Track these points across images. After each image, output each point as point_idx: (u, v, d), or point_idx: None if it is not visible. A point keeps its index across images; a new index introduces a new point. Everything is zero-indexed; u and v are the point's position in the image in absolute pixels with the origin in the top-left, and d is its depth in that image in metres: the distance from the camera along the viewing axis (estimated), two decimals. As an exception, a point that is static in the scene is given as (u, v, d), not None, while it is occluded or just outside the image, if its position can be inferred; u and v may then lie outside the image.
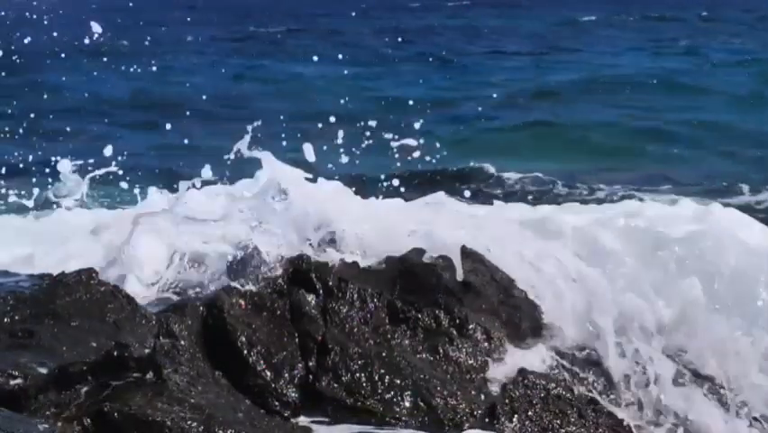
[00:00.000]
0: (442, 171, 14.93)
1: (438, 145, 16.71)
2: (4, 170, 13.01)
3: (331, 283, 5.29)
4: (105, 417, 4.35)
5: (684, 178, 14.95)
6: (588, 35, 32.52)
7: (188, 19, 42.79)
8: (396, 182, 13.71)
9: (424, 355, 5.28)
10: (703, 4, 41.29)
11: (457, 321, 5.43)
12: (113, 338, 4.61)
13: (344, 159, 15.29)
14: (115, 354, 4.53)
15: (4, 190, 11.13)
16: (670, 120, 18.99)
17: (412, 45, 32.10)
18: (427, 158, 15.87)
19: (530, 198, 13.68)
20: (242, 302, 5.16)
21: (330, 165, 15.28)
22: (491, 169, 15.14)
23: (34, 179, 10.78)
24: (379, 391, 5.04)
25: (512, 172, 15.01)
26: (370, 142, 16.70)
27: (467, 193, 13.41)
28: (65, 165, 8.54)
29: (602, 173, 15.02)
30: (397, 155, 15.31)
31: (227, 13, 44.95)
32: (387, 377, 5.10)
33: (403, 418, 5.03)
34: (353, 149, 16.17)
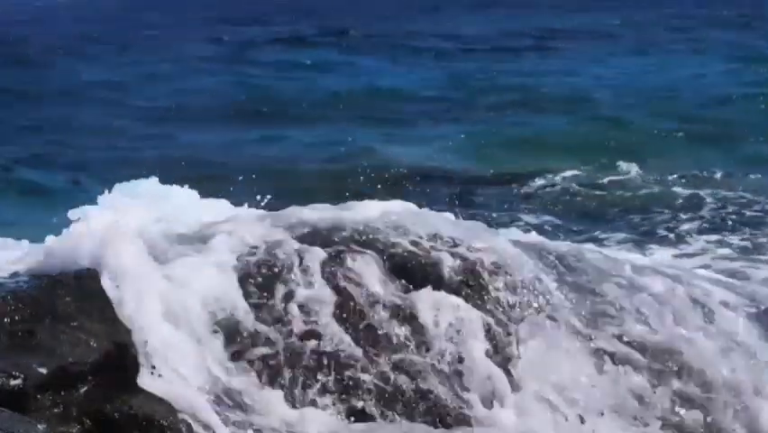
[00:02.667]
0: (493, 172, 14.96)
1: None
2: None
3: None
4: (105, 417, 4.36)
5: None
6: (614, 38, 32.11)
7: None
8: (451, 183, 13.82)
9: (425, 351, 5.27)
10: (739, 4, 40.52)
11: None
12: (113, 338, 4.60)
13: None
14: (115, 354, 4.53)
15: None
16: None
17: (431, 43, 31.99)
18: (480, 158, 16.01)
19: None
20: None
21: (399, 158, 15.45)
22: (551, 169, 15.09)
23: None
24: (378, 387, 5.05)
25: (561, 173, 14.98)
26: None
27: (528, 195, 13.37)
28: None
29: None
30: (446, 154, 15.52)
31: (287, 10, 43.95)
32: (386, 372, 5.10)
33: (403, 415, 5.04)
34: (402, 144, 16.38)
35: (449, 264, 5.56)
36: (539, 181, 14.36)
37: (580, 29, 34.99)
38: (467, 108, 20.54)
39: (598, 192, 13.85)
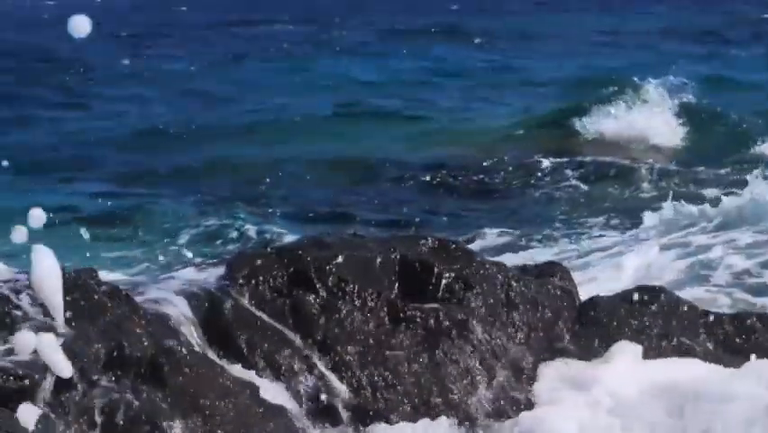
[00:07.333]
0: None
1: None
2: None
3: (331, 283, 5.29)
4: (106, 417, 4.36)
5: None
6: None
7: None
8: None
9: (424, 355, 5.27)
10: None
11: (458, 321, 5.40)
12: (113, 338, 4.60)
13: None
14: (115, 354, 4.53)
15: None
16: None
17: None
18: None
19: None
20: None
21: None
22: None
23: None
24: (380, 390, 5.05)
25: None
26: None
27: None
28: None
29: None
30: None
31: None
32: (388, 376, 5.11)
33: (404, 417, 5.04)
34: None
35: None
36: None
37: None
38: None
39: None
